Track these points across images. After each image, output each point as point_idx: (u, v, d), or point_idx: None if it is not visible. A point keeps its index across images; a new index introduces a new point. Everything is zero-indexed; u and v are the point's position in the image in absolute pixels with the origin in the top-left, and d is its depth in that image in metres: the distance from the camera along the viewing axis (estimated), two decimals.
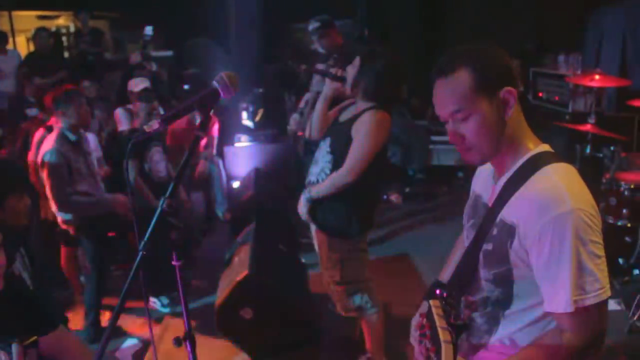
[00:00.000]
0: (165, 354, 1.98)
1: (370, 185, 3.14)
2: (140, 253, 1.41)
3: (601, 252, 1.49)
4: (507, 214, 1.57)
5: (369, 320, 3.32)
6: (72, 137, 4.07)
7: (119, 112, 5.27)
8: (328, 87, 3.28)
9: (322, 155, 3.16)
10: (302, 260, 4.56)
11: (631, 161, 4.57)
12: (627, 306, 3.89)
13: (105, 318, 4.29)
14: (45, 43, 7.44)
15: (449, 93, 1.56)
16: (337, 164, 3.08)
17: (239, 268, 3.72)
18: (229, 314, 3.58)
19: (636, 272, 4.23)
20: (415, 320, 1.58)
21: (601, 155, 4.77)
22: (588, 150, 4.87)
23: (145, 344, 4.01)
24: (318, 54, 5.32)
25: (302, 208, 3.16)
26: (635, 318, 3.74)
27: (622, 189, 4.26)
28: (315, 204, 3.16)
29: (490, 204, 1.65)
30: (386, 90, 3.04)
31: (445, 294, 1.37)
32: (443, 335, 1.28)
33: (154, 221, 1.43)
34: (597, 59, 6.42)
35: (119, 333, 4.09)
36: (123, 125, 5.18)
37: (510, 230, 1.55)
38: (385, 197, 6.44)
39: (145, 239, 1.42)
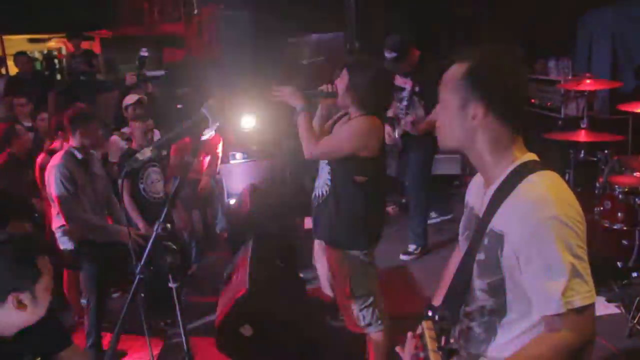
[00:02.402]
0: None
1: (374, 198, 3.15)
2: (138, 276, 1.42)
3: (585, 256, 1.52)
4: (496, 223, 1.60)
5: (376, 336, 3.30)
6: (79, 155, 4.07)
7: (114, 141, 5.23)
8: (322, 105, 3.32)
9: (322, 168, 3.20)
10: (300, 276, 4.55)
11: (624, 164, 4.56)
12: (627, 309, 3.89)
13: (106, 340, 4.27)
14: (25, 67, 7.48)
15: (446, 75, 1.68)
16: (334, 173, 3.11)
17: (237, 286, 3.72)
18: (229, 332, 3.58)
19: (634, 275, 4.22)
20: (409, 342, 1.60)
21: (595, 159, 4.78)
22: (582, 155, 4.89)
23: None
24: (311, 68, 5.41)
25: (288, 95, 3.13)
26: (635, 321, 3.73)
27: (616, 192, 4.26)
28: (321, 220, 3.21)
29: (480, 215, 1.68)
30: (377, 98, 3.07)
31: (437, 316, 1.39)
32: (434, 359, 1.30)
33: (149, 245, 1.44)
34: (588, 63, 6.46)
35: (119, 354, 4.07)
36: (114, 157, 5.13)
37: (499, 239, 1.58)
38: None
39: (142, 262, 1.43)
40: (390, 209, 6.49)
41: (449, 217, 6.13)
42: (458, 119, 1.64)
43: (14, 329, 1.93)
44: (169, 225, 1.46)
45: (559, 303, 1.48)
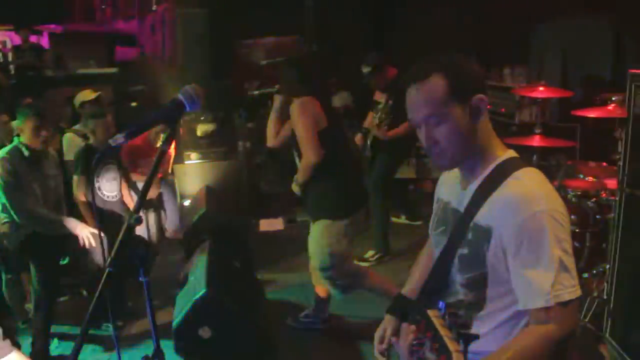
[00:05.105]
0: None
1: (339, 164, 3.56)
2: (108, 270, 1.34)
3: (571, 250, 1.56)
4: (482, 217, 1.61)
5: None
6: (25, 152, 3.87)
7: (71, 139, 4.93)
8: (276, 100, 3.81)
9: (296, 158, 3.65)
10: (257, 277, 4.50)
11: (576, 169, 4.68)
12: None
13: (53, 345, 4.10)
14: None
15: (422, 98, 1.59)
16: (300, 158, 3.57)
17: (195, 287, 3.64)
18: (187, 334, 3.49)
19: (585, 276, 4.33)
20: (405, 331, 1.59)
21: (546, 163, 4.89)
22: (535, 159, 4.99)
23: None
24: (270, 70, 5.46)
25: (295, 188, 3.69)
26: (586, 320, 3.82)
27: (569, 195, 4.36)
28: (306, 192, 3.65)
29: (462, 210, 1.68)
30: (305, 84, 3.56)
31: (444, 308, 1.40)
32: (452, 346, 1.28)
33: (120, 237, 1.36)
34: (539, 71, 6.63)
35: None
36: (71, 155, 4.74)
37: (486, 233, 1.59)
38: None
39: (113, 255, 1.35)
40: None
41: (417, 223, 6.11)
42: (464, 126, 1.60)
43: None
44: (141, 216, 1.39)
45: (548, 297, 1.50)
